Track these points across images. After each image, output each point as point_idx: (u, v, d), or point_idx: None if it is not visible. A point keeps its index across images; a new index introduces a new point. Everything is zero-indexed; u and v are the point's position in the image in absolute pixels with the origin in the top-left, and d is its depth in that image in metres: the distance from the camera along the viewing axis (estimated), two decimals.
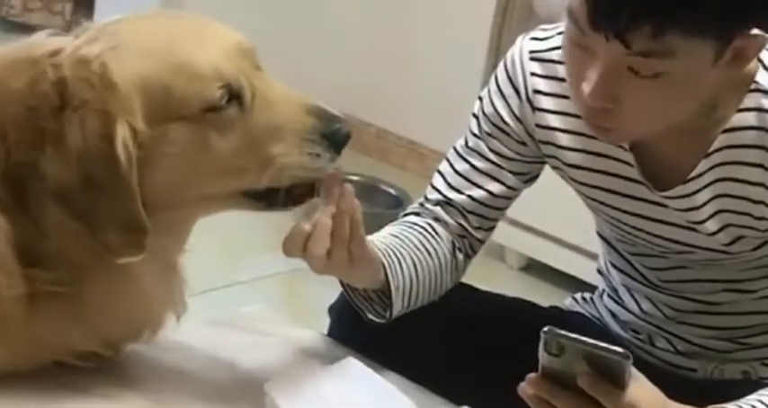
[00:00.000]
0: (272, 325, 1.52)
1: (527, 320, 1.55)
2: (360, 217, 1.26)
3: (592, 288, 1.73)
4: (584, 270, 3.01)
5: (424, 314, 1.46)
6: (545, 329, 1.10)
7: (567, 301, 1.72)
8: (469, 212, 1.49)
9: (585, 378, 1.10)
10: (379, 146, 4.20)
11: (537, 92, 1.43)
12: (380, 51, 4.17)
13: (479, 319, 1.54)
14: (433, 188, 1.52)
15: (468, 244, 1.52)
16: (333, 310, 1.54)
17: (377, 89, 4.20)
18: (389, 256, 1.39)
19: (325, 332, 1.54)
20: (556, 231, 3.18)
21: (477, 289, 1.59)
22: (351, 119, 4.29)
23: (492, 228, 1.53)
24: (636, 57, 1.19)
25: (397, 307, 1.40)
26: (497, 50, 3.76)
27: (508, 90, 1.45)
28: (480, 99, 1.50)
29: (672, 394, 1.17)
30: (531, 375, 1.13)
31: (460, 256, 1.51)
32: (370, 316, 1.41)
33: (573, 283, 3.05)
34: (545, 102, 1.43)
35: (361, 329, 1.43)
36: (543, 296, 2.08)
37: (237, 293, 2.93)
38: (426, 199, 1.53)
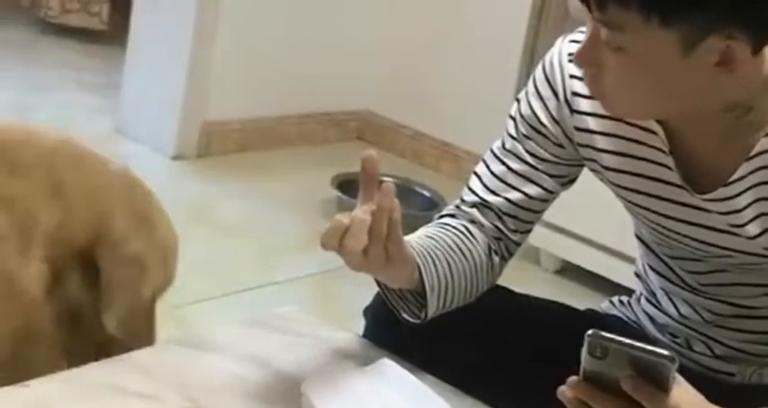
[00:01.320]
0: (307, 326, 1.52)
1: (564, 323, 1.55)
2: (398, 217, 1.25)
3: (627, 292, 1.72)
4: (620, 274, 3.00)
5: (460, 316, 1.45)
6: (589, 332, 1.09)
7: (603, 304, 1.71)
8: (506, 214, 1.49)
9: (629, 381, 1.08)
10: (414, 148, 4.20)
11: (575, 94, 1.42)
12: (415, 53, 4.17)
13: (516, 322, 1.53)
14: (469, 190, 1.51)
15: (504, 247, 1.51)
16: (368, 311, 1.54)
17: (412, 91, 4.21)
18: (424, 257, 1.39)
19: (360, 333, 1.54)
20: (591, 234, 3.17)
21: (513, 292, 1.59)
22: (385, 120, 4.34)
23: (528, 231, 1.52)
24: (601, 25, 1.23)
25: (432, 308, 1.40)
26: (532, 52, 3.75)
27: (546, 92, 1.45)
28: (518, 100, 1.50)
29: (710, 398, 1.16)
30: (573, 378, 1.12)
31: (496, 258, 1.50)
32: (405, 316, 1.41)
33: (608, 286, 3.04)
34: (583, 105, 1.42)
35: (396, 331, 1.43)
36: (578, 299, 2.08)
37: (271, 294, 2.94)
38: (462, 200, 1.52)
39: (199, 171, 3.78)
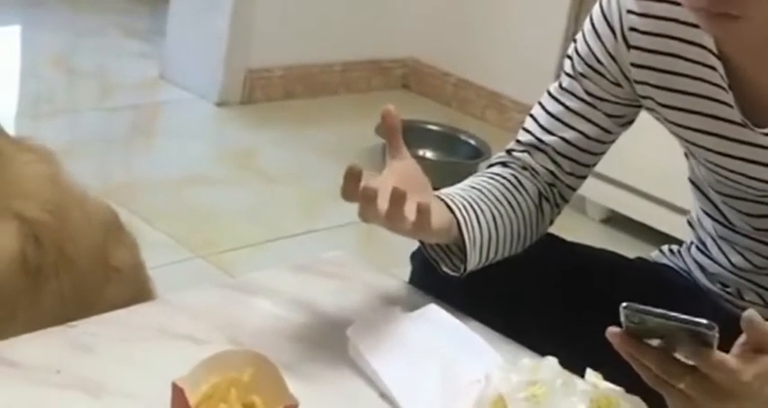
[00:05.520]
0: (353, 271, 1.51)
1: (613, 270, 1.54)
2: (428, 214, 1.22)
3: (673, 241, 1.70)
4: (666, 223, 2.98)
5: (508, 263, 1.44)
6: (624, 305, 1.06)
7: (653, 253, 1.69)
8: (561, 155, 1.47)
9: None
10: (459, 97, 4.18)
11: (632, 29, 1.39)
12: (461, 0, 4.13)
13: (564, 268, 1.51)
14: (525, 130, 1.49)
15: (557, 193, 1.49)
16: (415, 257, 1.53)
17: (458, 38, 4.17)
18: (466, 210, 1.36)
19: (406, 279, 1.53)
20: (638, 183, 3.15)
21: (561, 239, 1.57)
22: (431, 68, 4.32)
23: (583, 176, 1.50)
24: None
25: (473, 262, 1.38)
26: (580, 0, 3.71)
27: (603, 29, 1.42)
28: (575, 40, 1.47)
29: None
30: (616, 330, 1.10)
31: (547, 207, 1.48)
32: (445, 269, 1.40)
33: (654, 236, 3.03)
34: (641, 41, 1.39)
35: (442, 276, 1.42)
36: (624, 248, 2.06)
37: (316, 240, 2.94)
38: (518, 142, 1.50)
39: (243, 117, 3.78)
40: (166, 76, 3.92)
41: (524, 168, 1.48)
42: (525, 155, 1.49)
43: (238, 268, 2.69)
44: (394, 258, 1.71)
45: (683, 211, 1.65)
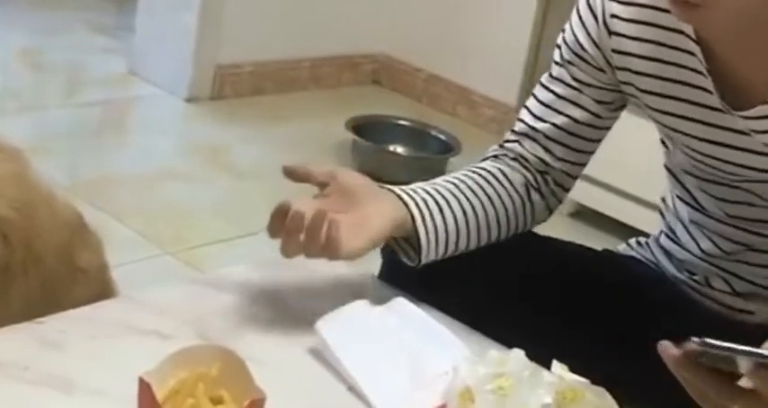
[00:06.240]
0: (322, 266, 1.50)
1: (580, 262, 1.55)
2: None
3: (640, 234, 1.71)
4: (634, 217, 3.00)
5: (476, 257, 1.45)
6: (696, 340, 1.01)
7: (621, 246, 1.70)
8: (552, 141, 1.49)
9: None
10: (430, 92, 4.18)
11: (613, 16, 1.41)
12: None
13: (532, 262, 1.52)
14: (519, 120, 1.52)
15: (552, 181, 1.51)
16: (384, 251, 1.54)
17: (428, 34, 4.18)
18: (425, 202, 1.39)
19: (376, 273, 1.54)
20: (605, 177, 3.16)
21: (533, 233, 1.58)
22: (401, 63, 4.32)
23: (580, 163, 1.52)
24: None
25: (431, 255, 1.40)
26: None
27: (587, 15, 1.44)
28: (563, 30, 1.50)
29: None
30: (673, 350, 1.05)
31: (536, 197, 1.50)
32: (404, 259, 1.42)
33: (622, 229, 3.04)
34: (622, 27, 1.41)
35: (412, 271, 1.43)
36: (592, 242, 2.07)
37: None
38: (512, 132, 1.53)
39: (212, 113, 3.77)
40: (135, 72, 3.91)
41: (514, 159, 1.51)
42: (516, 144, 1.51)
43: (208, 264, 2.68)
44: None
45: (650, 205, 1.67)
